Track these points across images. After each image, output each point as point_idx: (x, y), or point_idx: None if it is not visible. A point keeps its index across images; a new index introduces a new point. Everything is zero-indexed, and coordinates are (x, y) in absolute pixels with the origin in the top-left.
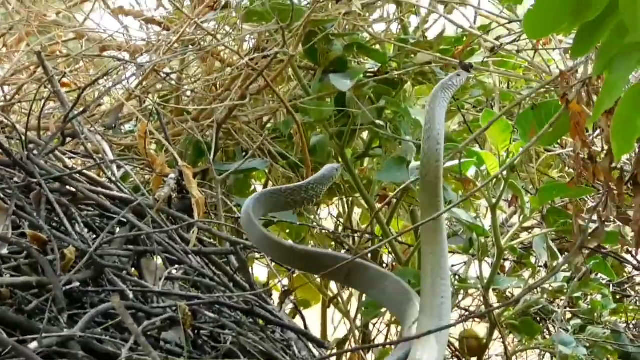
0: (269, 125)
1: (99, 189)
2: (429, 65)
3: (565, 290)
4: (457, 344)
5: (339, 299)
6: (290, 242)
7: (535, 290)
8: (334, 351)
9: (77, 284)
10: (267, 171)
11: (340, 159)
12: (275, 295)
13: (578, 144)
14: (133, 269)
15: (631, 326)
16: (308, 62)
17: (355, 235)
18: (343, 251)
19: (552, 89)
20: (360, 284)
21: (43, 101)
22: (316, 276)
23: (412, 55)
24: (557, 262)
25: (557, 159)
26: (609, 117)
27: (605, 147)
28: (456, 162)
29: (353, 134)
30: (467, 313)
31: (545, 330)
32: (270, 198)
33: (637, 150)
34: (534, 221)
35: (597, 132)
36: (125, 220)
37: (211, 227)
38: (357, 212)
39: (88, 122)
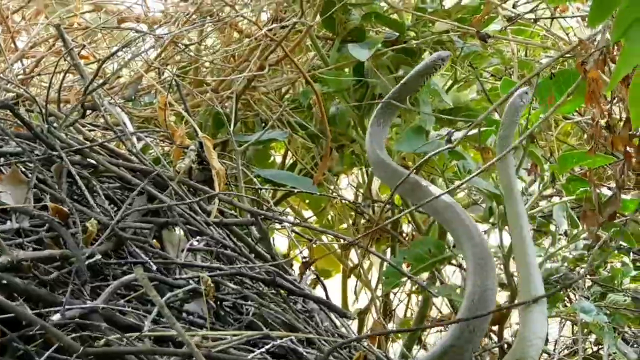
0: (287, 96)
1: (120, 161)
2: (446, 33)
3: (585, 258)
4: None
5: (360, 268)
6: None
7: (555, 258)
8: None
9: (99, 256)
10: (286, 142)
11: (359, 129)
12: (296, 266)
13: (596, 111)
14: (155, 240)
15: None
16: (326, 32)
17: (375, 205)
18: (363, 221)
19: (571, 57)
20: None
21: (62, 74)
22: (337, 245)
23: (430, 24)
24: (577, 230)
25: (576, 126)
26: (627, 85)
27: (624, 116)
28: (475, 131)
29: (372, 103)
30: None
31: (566, 298)
32: (386, 112)
33: None
34: (553, 189)
35: (616, 100)
36: (146, 192)
37: (232, 198)
38: (376, 181)
39: (107, 94)
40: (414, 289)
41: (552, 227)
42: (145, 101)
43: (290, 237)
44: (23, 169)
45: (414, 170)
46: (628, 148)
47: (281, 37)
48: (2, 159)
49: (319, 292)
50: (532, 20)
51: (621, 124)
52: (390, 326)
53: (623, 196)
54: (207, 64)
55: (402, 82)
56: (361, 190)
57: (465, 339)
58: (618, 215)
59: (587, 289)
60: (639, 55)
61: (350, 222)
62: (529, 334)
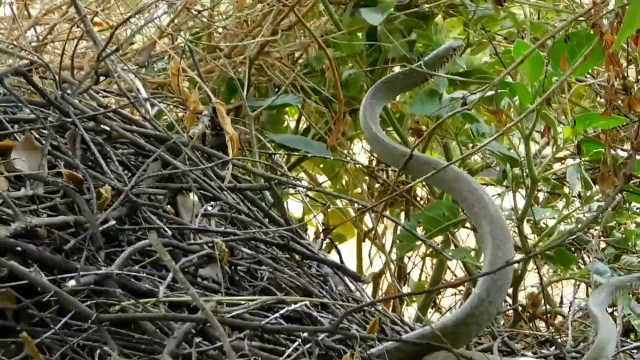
0: (300, 61)
1: (133, 127)
2: None
3: (599, 220)
4: None
5: (374, 232)
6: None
7: (569, 220)
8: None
9: (114, 222)
10: (299, 106)
11: None
12: (311, 230)
13: (612, 74)
14: (169, 206)
15: None
16: None
17: (389, 169)
18: (377, 185)
19: (584, 20)
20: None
21: (76, 41)
22: (352, 210)
23: None
24: (590, 192)
25: (589, 89)
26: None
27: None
28: (489, 94)
29: (385, 68)
30: None
31: (580, 260)
32: (384, 88)
33: None
34: (567, 152)
35: (631, 62)
36: (160, 157)
37: (245, 164)
38: None
39: (121, 60)
40: (428, 252)
41: (566, 189)
42: (158, 67)
43: (304, 202)
44: (37, 136)
45: (414, 149)
46: None
47: (294, 2)
48: (16, 125)
49: (333, 256)
50: None
51: (636, 85)
52: (405, 290)
53: (637, 157)
54: (220, 30)
55: (410, 68)
56: (375, 155)
57: (484, 309)
58: (632, 176)
59: (601, 250)
60: None
61: (365, 186)
62: (606, 337)
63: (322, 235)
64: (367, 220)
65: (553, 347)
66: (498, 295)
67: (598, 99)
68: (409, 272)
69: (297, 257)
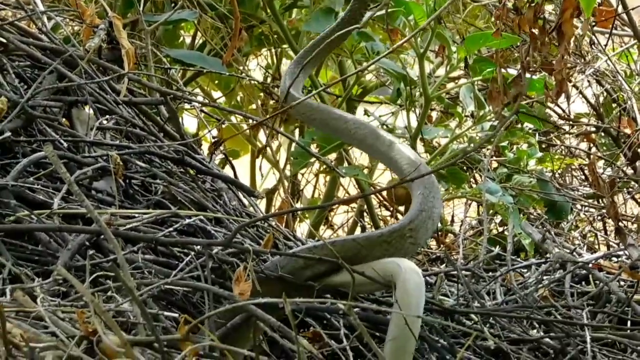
0: None
1: (30, 39)
2: None
3: (491, 140)
4: (384, 193)
5: (268, 149)
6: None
7: (462, 139)
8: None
9: (9, 133)
10: (196, 22)
11: (268, 10)
12: (205, 146)
13: None
14: (64, 119)
15: (557, 175)
16: None
17: None
18: (272, 102)
19: None
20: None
21: None
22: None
23: None
24: (483, 112)
25: (484, 9)
26: None
27: None
28: (383, 12)
29: None
30: None
31: (472, 179)
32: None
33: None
34: (460, 71)
35: None
36: (56, 70)
37: (141, 78)
38: (285, 63)
39: None
40: (321, 169)
41: (459, 109)
42: None
43: (199, 117)
44: None
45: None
46: (533, 29)
47: None
48: None
49: (227, 172)
50: None
51: (527, 5)
52: (298, 206)
53: (527, 76)
54: None
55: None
56: (270, 71)
57: (421, 221)
58: (525, 97)
59: (493, 170)
60: None
61: (259, 102)
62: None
63: (213, 148)
64: (262, 136)
65: (444, 265)
66: (432, 209)
67: (492, 19)
68: (303, 189)
69: (191, 171)
